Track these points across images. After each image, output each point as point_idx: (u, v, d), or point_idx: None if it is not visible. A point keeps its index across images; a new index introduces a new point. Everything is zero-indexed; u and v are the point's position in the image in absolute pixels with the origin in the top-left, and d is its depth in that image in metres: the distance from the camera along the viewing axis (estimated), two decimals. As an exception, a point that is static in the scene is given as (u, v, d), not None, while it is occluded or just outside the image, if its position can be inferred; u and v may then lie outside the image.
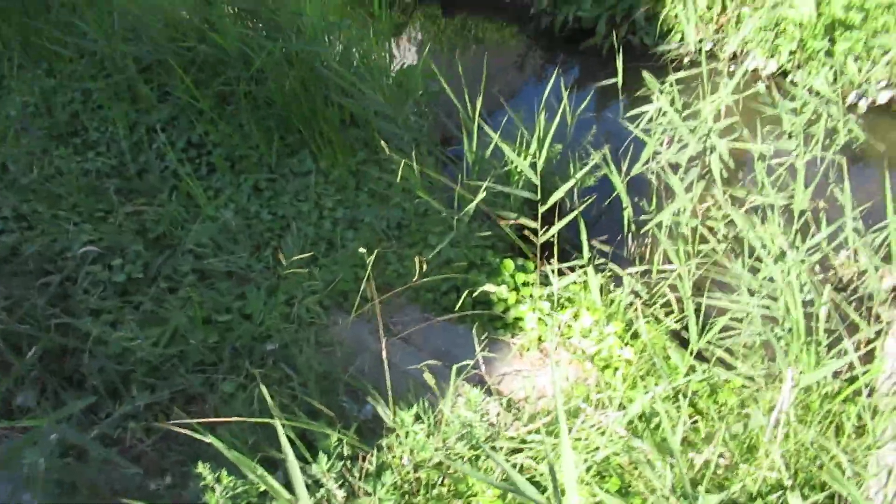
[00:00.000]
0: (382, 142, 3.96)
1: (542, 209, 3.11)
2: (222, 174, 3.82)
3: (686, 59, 5.37)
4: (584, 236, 2.84)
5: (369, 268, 2.30)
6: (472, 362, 2.45)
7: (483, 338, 2.83)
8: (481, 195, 2.80)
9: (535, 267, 3.07)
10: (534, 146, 3.22)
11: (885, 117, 4.67)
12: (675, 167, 3.77)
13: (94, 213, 3.44)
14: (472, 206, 2.80)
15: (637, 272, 3.07)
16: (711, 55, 5.34)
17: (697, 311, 2.94)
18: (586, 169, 3.02)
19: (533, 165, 2.95)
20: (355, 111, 3.78)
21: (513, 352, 2.87)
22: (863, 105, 4.70)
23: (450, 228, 3.23)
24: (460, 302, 2.89)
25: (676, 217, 3.16)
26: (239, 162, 3.90)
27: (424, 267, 2.81)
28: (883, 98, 4.66)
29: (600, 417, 2.15)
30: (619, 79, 3.92)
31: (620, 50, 4.06)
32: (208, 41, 3.88)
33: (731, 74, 5.11)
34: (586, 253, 2.85)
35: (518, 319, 2.94)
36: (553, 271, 2.85)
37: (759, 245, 2.59)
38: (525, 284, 2.99)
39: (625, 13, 5.44)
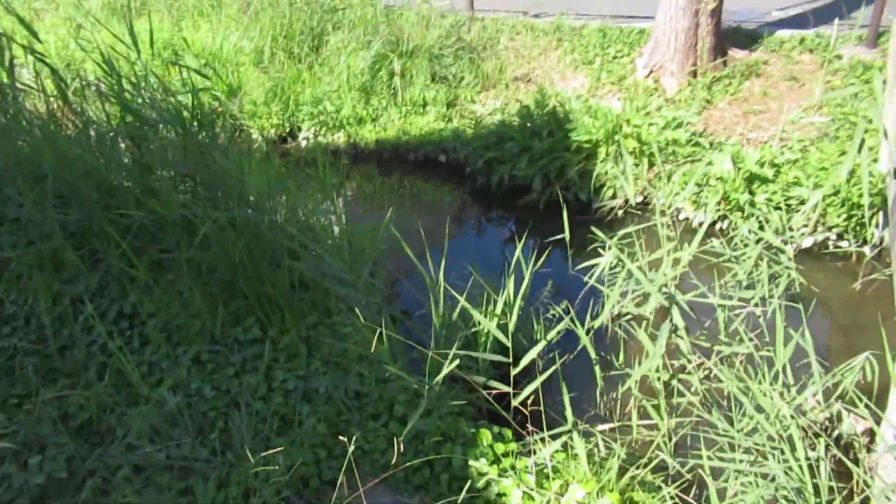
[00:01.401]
0: (340, 305, 3.81)
1: (514, 371, 2.97)
2: (157, 346, 3.49)
3: (619, 212, 5.62)
4: (566, 400, 2.68)
5: (350, 451, 2.01)
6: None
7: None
8: (454, 362, 2.63)
9: (512, 435, 2.85)
10: (499, 307, 3.12)
11: (809, 260, 4.92)
12: (636, 319, 3.76)
13: (8, 399, 3.01)
14: (446, 371, 2.61)
15: (613, 428, 2.92)
16: (643, 208, 5.61)
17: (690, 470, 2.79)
18: (557, 328, 2.92)
19: (502, 328, 2.83)
20: (305, 274, 3.62)
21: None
22: (789, 251, 4.97)
23: (416, 396, 3.00)
24: (439, 480, 2.61)
25: (649, 372, 3.08)
26: (177, 332, 3.59)
27: (401, 447, 2.55)
28: (806, 243, 4.96)
29: None
30: (567, 234, 3.99)
31: (563, 206, 4.16)
32: (146, 208, 3.71)
33: (668, 226, 5.36)
34: (570, 418, 2.68)
35: (501, 496, 2.67)
36: (538, 440, 2.64)
37: (748, 401, 2.51)
38: (505, 455, 2.75)
39: (557, 172, 5.71)
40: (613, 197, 5.61)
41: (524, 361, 2.83)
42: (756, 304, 3.42)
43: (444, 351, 2.88)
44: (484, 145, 6.09)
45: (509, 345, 2.72)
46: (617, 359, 3.35)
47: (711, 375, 3.13)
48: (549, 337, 2.85)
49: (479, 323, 2.94)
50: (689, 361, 3.18)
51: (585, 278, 4.09)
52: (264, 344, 3.50)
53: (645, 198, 5.63)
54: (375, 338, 2.71)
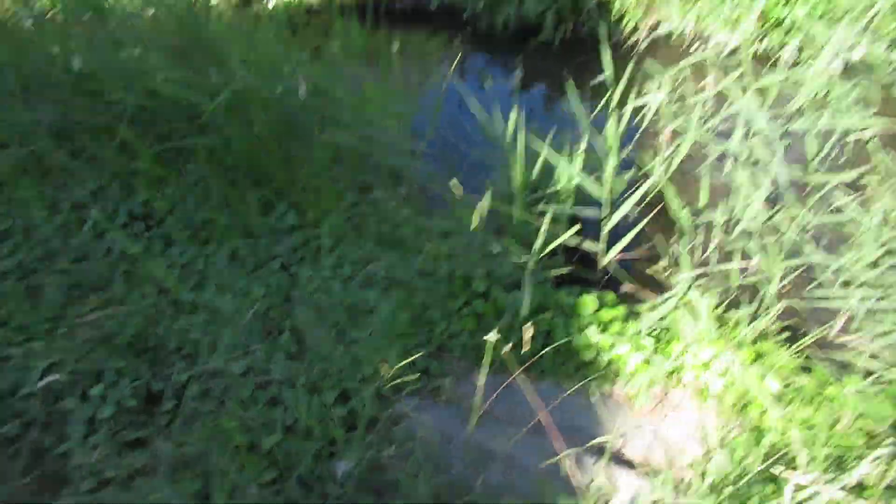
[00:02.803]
0: (377, 179, 3.40)
1: (605, 227, 2.66)
2: (184, 247, 3.09)
3: (643, 45, 5.13)
4: (684, 250, 2.40)
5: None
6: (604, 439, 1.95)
7: (571, 391, 2.34)
8: (568, 231, 2.30)
9: (616, 299, 2.60)
10: (577, 160, 2.73)
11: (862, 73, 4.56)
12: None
13: (35, 325, 2.64)
14: (562, 239, 2.28)
15: (708, 275, 2.68)
16: (667, 39, 5.12)
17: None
18: (646, 175, 2.58)
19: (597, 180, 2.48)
20: (343, 146, 3.17)
21: (620, 404, 2.39)
22: (838, 65, 4.62)
23: (490, 270, 2.70)
24: (541, 353, 2.38)
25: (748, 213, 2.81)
26: (203, 229, 3.18)
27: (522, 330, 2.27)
28: (856, 55, 4.59)
29: (815, 483, 1.70)
30: (608, 71, 3.55)
31: (603, 43, 3.66)
32: (138, 92, 3.15)
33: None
34: (687, 270, 2.41)
35: (610, 363, 2.46)
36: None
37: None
38: (612, 322, 2.51)
39: (571, 5, 5.13)
40: (635, 29, 5.09)
41: (618, 214, 2.52)
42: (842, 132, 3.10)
43: (541, 209, 2.55)
44: (483, -17, 5.41)
45: (605, 196, 2.39)
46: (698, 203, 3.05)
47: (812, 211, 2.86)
48: (647, 184, 2.51)
49: (563, 179, 2.58)
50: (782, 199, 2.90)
51: (636, 121, 3.72)
52: (304, 230, 3.13)
53: (669, 26, 5.12)
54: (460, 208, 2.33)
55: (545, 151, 2.48)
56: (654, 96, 3.59)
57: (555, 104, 4.78)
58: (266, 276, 2.93)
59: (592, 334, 2.44)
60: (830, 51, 4.54)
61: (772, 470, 1.87)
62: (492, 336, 1.84)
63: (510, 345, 2.34)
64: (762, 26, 4.71)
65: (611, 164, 2.45)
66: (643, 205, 2.56)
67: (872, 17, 4.49)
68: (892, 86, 3.76)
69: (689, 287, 2.34)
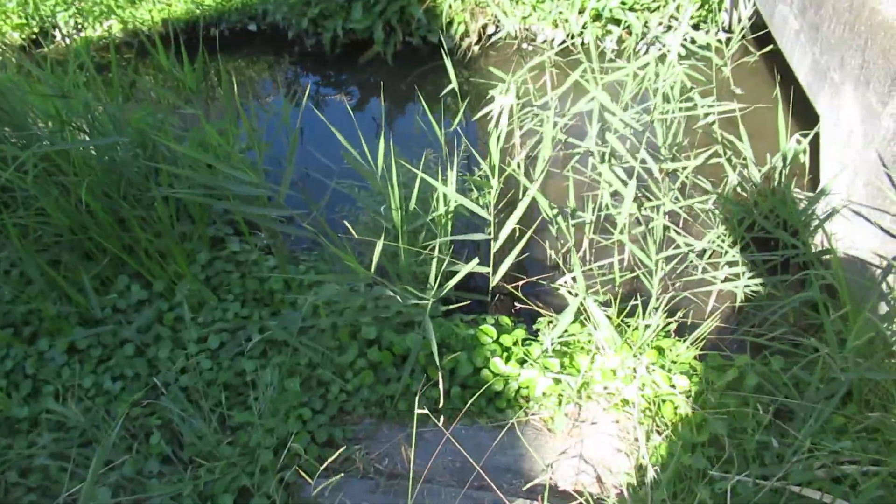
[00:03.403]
0: (227, 230, 3.05)
1: (495, 247, 2.55)
2: (5, 349, 2.57)
3: (475, 49, 5.13)
4: (575, 259, 2.34)
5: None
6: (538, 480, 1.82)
7: (488, 427, 2.21)
8: (426, 256, 2.14)
9: (512, 322, 2.50)
10: (449, 182, 2.59)
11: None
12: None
13: None
14: (466, 270, 2.12)
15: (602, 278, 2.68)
16: (496, 41, 5.16)
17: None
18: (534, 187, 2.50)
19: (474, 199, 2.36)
20: (188, 201, 2.80)
21: (539, 429, 2.29)
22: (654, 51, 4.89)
23: (377, 311, 2.49)
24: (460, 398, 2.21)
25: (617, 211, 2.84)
26: (26, 323, 2.67)
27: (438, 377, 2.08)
28: (670, 41, 4.88)
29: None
30: (455, 83, 3.48)
31: (445, 53, 3.57)
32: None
33: (527, 51, 4.99)
34: (580, 282, 2.36)
35: (519, 390, 2.36)
36: (542, 319, 2.30)
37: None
38: (515, 344, 2.41)
39: (399, 16, 5.01)
40: (466, 34, 5.08)
41: (506, 229, 2.42)
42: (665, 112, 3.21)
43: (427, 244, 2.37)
44: (304, 1, 5.14)
45: (490, 217, 2.28)
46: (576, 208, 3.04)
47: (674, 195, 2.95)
48: (530, 193, 2.43)
49: (441, 204, 2.43)
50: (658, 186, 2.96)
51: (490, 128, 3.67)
52: (155, 304, 2.73)
53: (497, 28, 5.16)
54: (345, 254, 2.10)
55: (419, 177, 2.31)
56: (504, 100, 3.56)
57: (400, 120, 4.64)
58: (118, 368, 2.51)
59: (498, 364, 2.32)
60: (646, 39, 4.81)
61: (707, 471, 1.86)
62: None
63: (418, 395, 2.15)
64: (583, 21, 4.88)
65: (494, 183, 2.34)
66: (520, 217, 2.47)
67: (677, 7, 4.81)
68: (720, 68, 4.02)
69: (583, 297, 2.28)
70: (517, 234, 2.54)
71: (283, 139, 3.89)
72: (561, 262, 3.24)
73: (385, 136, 2.49)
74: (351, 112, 4.72)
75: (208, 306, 2.75)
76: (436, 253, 2.16)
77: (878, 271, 2.47)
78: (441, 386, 1.54)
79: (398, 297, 2.13)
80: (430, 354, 2.34)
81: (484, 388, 2.30)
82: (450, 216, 2.49)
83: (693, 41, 4.60)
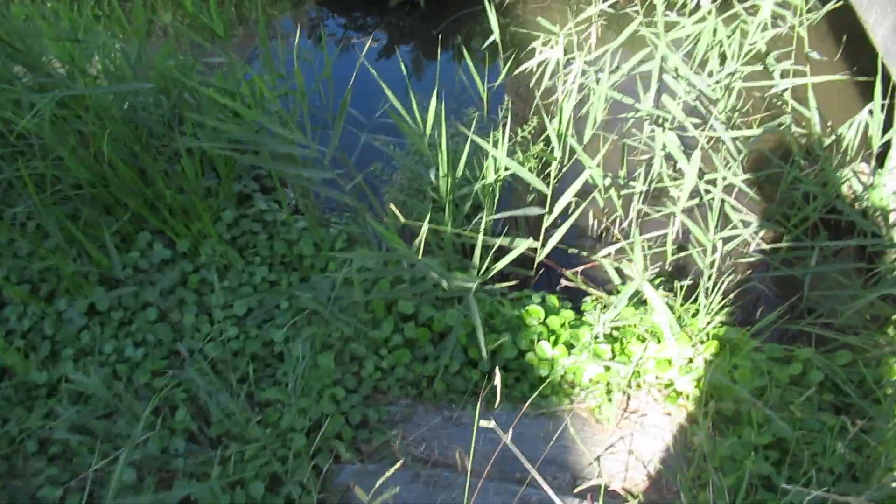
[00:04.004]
0: (253, 188, 2.88)
1: (548, 221, 2.37)
2: (22, 306, 2.45)
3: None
4: (637, 243, 2.16)
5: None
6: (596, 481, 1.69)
7: (533, 416, 2.08)
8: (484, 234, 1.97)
9: (559, 302, 2.34)
10: (501, 146, 2.38)
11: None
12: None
13: None
14: (511, 258, 1.94)
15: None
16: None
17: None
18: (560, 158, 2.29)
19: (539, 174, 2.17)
20: (214, 153, 2.62)
21: (584, 419, 2.15)
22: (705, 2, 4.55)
23: (414, 282, 2.34)
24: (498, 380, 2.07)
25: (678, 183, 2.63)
26: (44, 281, 2.54)
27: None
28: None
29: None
30: (497, 34, 3.23)
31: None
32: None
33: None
34: (639, 262, 2.18)
35: (565, 375, 2.21)
36: (595, 300, 2.14)
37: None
38: (563, 327, 2.25)
39: (432, -46, 4.68)
40: (504, -24, 4.75)
41: (561, 203, 2.24)
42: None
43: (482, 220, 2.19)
44: (333, -65, 4.81)
45: (547, 192, 2.10)
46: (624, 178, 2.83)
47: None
48: (589, 172, 2.23)
49: (491, 171, 2.23)
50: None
51: (531, 84, 3.44)
52: (179, 264, 2.58)
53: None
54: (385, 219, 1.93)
55: (469, 140, 2.11)
56: (551, 54, 3.31)
57: (435, 72, 4.38)
58: (140, 333, 2.38)
59: (545, 348, 2.17)
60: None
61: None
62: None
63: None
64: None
65: (558, 154, 2.13)
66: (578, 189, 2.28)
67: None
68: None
69: (641, 281, 2.11)
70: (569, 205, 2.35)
71: (318, 89, 3.67)
72: (606, 234, 3.06)
73: (436, 93, 2.26)
74: (384, 61, 4.46)
75: (234, 269, 2.60)
76: (481, 229, 1.98)
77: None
78: (498, 384, 1.38)
79: (441, 279, 1.96)
80: (471, 333, 2.20)
81: (528, 373, 2.16)
82: (499, 184, 2.30)
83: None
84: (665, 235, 2.76)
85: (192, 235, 2.65)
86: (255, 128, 2.30)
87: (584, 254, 2.92)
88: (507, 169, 2.15)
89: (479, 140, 2.06)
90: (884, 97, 2.91)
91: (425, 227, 1.85)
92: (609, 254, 2.93)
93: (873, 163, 2.88)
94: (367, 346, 2.28)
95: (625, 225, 3.02)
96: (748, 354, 2.10)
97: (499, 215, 2.16)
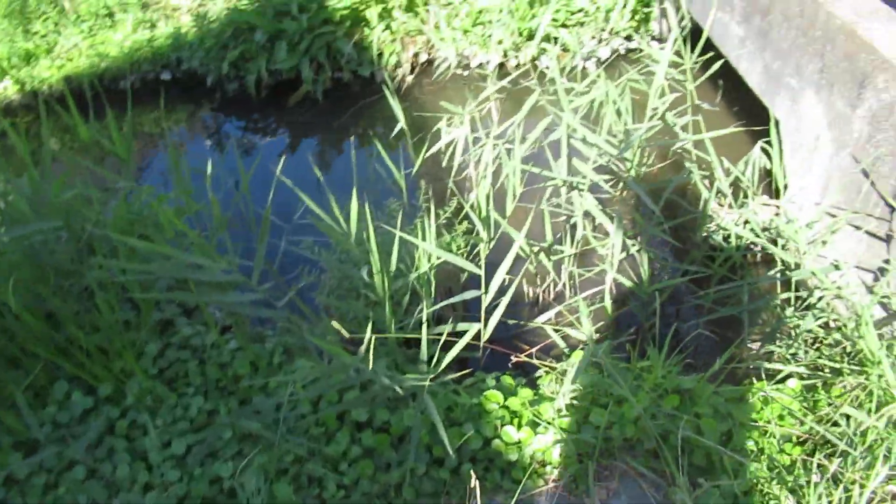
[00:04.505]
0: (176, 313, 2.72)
1: (486, 301, 2.34)
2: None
3: (409, 79, 4.94)
4: (584, 311, 2.15)
5: None
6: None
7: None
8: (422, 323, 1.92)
9: (513, 381, 2.29)
10: (429, 234, 2.35)
11: (611, 69, 4.82)
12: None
13: None
14: (458, 349, 1.89)
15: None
16: (427, 66, 4.99)
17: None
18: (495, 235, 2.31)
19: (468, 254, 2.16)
20: (128, 282, 2.46)
21: (566, 499, 2.08)
22: (590, 66, 4.85)
23: (363, 389, 2.24)
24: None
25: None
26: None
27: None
28: (604, 54, 4.85)
29: None
30: (401, 119, 3.28)
31: (390, 89, 3.36)
32: None
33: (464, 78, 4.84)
34: (587, 328, 2.17)
35: (534, 456, 2.15)
36: (547, 372, 2.11)
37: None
38: (524, 406, 2.19)
39: (325, 51, 4.77)
40: (398, 65, 4.89)
41: (497, 280, 2.23)
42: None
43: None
44: (220, 44, 4.84)
45: (482, 272, 2.08)
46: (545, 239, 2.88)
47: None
48: (520, 241, 2.23)
49: (423, 261, 2.20)
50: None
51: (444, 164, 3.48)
52: (103, 411, 2.37)
53: (429, 55, 5.00)
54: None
55: (397, 237, 2.08)
56: (457, 132, 3.38)
57: (344, 164, 4.38)
58: (69, 496, 2.14)
59: (511, 433, 2.10)
60: (581, 54, 4.74)
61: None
62: None
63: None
64: (517, 43, 4.78)
65: (485, 236, 2.13)
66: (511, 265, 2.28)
67: (606, 18, 4.78)
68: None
69: (592, 349, 2.10)
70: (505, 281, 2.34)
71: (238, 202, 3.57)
72: (541, 300, 3.08)
73: (356, 189, 2.23)
74: (285, 157, 4.43)
75: (166, 405, 2.41)
76: (424, 322, 1.92)
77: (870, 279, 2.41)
78: (477, 488, 1.31)
79: (393, 383, 1.88)
80: (432, 430, 2.11)
81: (496, 460, 2.09)
82: (433, 273, 2.27)
83: (635, 52, 4.58)
84: (600, 292, 2.80)
85: (114, 376, 2.45)
86: (172, 260, 2.18)
87: (524, 323, 2.92)
88: (438, 258, 2.13)
89: (407, 237, 2.04)
90: (764, 131, 3.14)
91: (370, 336, 1.77)
92: (549, 319, 2.94)
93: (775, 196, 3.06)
94: (324, 464, 2.14)
95: (559, 288, 3.05)
96: (708, 400, 2.12)
97: (438, 305, 2.12)
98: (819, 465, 1.95)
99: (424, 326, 2.00)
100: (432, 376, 1.93)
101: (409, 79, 4.92)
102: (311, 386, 2.24)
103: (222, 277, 2.02)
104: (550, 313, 2.93)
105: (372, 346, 1.80)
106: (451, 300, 2.10)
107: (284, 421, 2.27)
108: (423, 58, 4.95)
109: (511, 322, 2.90)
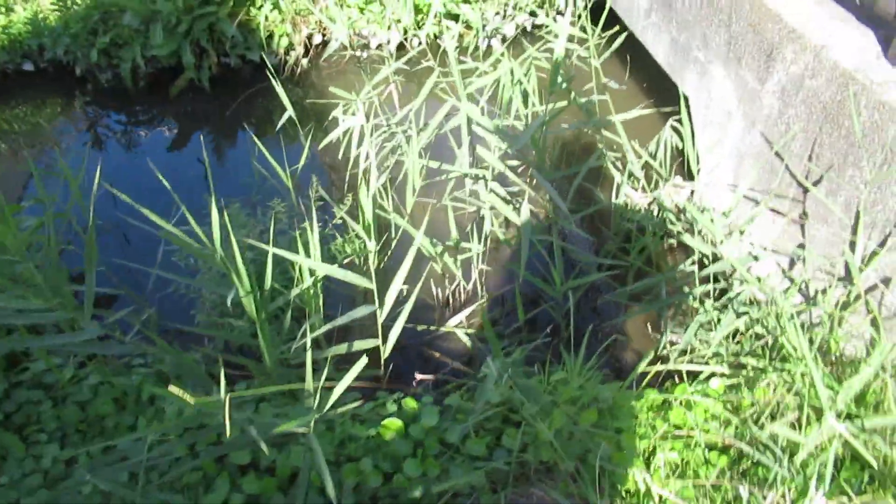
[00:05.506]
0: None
1: (382, 316, 2.06)
2: None
3: (304, 63, 4.57)
4: (487, 327, 1.91)
5: None
6: None
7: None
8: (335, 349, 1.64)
9: (416, 401, 2.04)
10: (314, 242, 2.05)
11: (516, 46, 4.61)
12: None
13: None
14: (348, 380, 1.61)
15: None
16: (324, 49, 4.62)
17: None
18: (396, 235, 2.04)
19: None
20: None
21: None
22: (495, 43, 4.62)
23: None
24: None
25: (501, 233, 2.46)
26: None
27: None
28: (509, 31, 4.62)
29: None
30: (290, 110, 2.96)
31: (270, 74, 3.01)
32: None
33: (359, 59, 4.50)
34: (494, 344, 1.94)
35: (445, 491, 1.91)
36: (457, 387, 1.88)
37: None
38: (429, 433, 1.95)
39: (208, 34, 4.33)
40: (291, 47, 4.50)
41: (392, 291, 1.97)
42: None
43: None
44: (88, 29, 4.31)
45: (373, 286, 1.82)
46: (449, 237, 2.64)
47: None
48: (412, 254, 1.97)
49: (305, 276, 1.90)
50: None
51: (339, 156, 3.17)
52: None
53: (324, 37, 4.63)
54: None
55: (269, 254, 1.77)
56: (352, 121, 3.08)
57: (233, 159, 3.99)
58: None
59: (413, 466, 1.86)
60: (485, 32, 4.51)
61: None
62: None
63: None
64: (417, 20, 4.48)
65: (371, 245, 1.85)
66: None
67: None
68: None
69: (498, 367, 1.88)
70: (403, 292, 2.08)
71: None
72: (451, 300, 2.84)
73: (216, 200, 1.91)
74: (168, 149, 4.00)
75: (13, 458, 2.04)
76: (308, 350, 1.64)
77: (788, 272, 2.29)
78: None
79: (273, 427, 1.59)
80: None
81: (400, 497, 1.84)
82: (320, 287, 1.98)
83: (541, 28, 4.37)
84: (511, 291, 2.60)
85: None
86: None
87: (433, 328, 2.69)
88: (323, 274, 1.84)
89: (281, 252, 1.74)
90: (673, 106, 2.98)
91: (226, 393, 1.47)
92: (460, 322, 2.72)
93: (688, 176, 2.92)
94: (199, 520, 1.84)
95: (469, 287, 2.83)
96: (629, 412, 1.94)
97: (324, 328, 1.83)
98: (744, 473, 1.81)
99: (309, 353, 1.71)
100: (318, 416, 1.65)
101: (304, 62, 4.54)
102: (185, 420, 1.93)
103: (46, 319, 1.67)
104: (460, 316, 2.71)
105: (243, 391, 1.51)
106: (339, 321, 1.82)
107: (155, 468, 1.95)
108: (317, 39, 4.58)
109: (420, 328, 2.66)
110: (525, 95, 3.04)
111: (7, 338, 1.81)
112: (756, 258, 2.05)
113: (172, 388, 1.28)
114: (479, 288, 2.78)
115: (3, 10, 4.59)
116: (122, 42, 4.29)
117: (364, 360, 1.54)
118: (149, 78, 4.44)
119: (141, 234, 2.92)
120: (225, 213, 2.55)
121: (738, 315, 1.99)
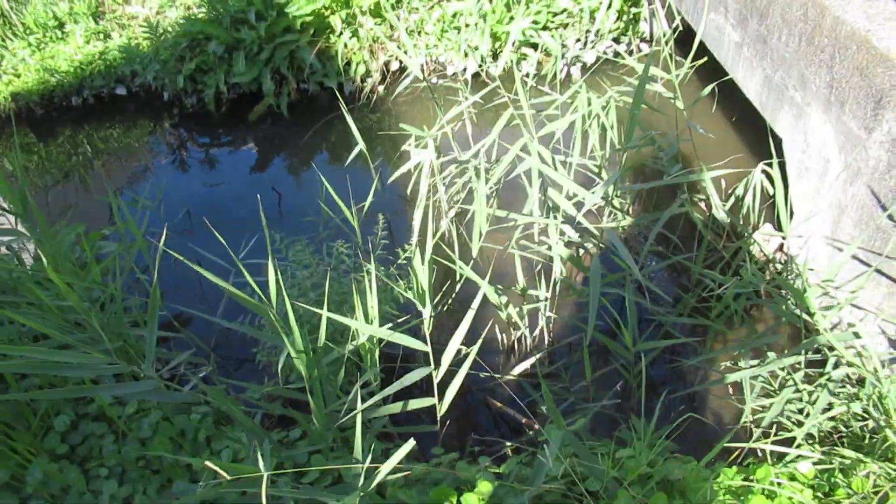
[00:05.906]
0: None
1: (438, 376, 1.98)
2: None
3: (380, 89, 4.57)
4: (548, 397, 1.79)
5: None
6: None
7: None
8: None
9: (479, 476, 1.94)
10: (372, 299, 1.99)
11: (597, 74, 4.45)
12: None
13: None
14: (400, 456, 1.53)
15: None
16: (399, 74, 4.62)
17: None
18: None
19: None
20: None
21: None
22: (575, 71, 4.49)
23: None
24: None
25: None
26: None
27: None
28: (589, 59, 4.47)
29: None
30: (361, 143, 2.93)
31: (342, 107, 2.99)
32: None
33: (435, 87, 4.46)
34: (558, 419, 1.81)
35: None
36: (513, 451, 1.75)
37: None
38: (482, 502, 1.84)
39: (289, 62, 4.40)
40: (367, 74, 4.52)
41: (450, 351, 1.87)
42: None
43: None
44: (176, 56, 4.47)
45: (428, 349, 1.73)
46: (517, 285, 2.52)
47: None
48: (475, 305, 1.88)
49: (361, 336, 1.84)
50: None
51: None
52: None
53: (401, 63, 4.63)
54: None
55: (324, 317, 1.72)
56: (423, 155, 3.02)
57: (305, 187, 4.02)
58: None
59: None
60: (565, 59, 4.38)
61: None
62: None
63: None
64: (494, 48, 4.41)
65: (426, 312, 1.77)
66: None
67: (591, 18, 4.41)
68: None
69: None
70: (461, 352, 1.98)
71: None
72: (517, 346, 2.72)
73: (281, 239, 1.87)
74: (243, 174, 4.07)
75: (74, 492, 2.07)
76: (358, 412, 1.56)
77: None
78: None
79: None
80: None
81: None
82: (375, 341, 1.92)
83: (617, 55, 4.20)
84: (578, 341, 2.46)
85: (13, 459, 2.11)
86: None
87: (497, 376, 2.58)
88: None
89: (335, 316, 1.67)
90: (764, 145, 2.77)
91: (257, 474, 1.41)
92: (525, 369, 2.60)
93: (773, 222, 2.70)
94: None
95: (535, 333, 2.70)
96: (702, 496, 1.76)
97: (377, 397, 1.75)
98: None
99: (359, 422, 1.64)
100: (362, 494, 1.57)
101: (380, 89, 4.55)
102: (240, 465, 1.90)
103: (103, 371, 1.67)
104: (525, 364, 2.59)
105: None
106: (391, 389, 1.74)
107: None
108: (394, 66, 4.58)
109: (483, 375, 2.56)
110: (603, 129, 2.90)
111: (72, 387, 1.83)
112: (858, 335, 1.83)
113: (208, 463, 1.23)
114: (545, 334, 2.66)
115: (102, 36, 4.84)
116: (207, 69, 4.42)
117: (411, 444, 1.45)
118: (230, 103, 4.55)
119: (211, 264, 2.97)
120: (289, 252, 2.54)
121: (834, 394, 1.79)
